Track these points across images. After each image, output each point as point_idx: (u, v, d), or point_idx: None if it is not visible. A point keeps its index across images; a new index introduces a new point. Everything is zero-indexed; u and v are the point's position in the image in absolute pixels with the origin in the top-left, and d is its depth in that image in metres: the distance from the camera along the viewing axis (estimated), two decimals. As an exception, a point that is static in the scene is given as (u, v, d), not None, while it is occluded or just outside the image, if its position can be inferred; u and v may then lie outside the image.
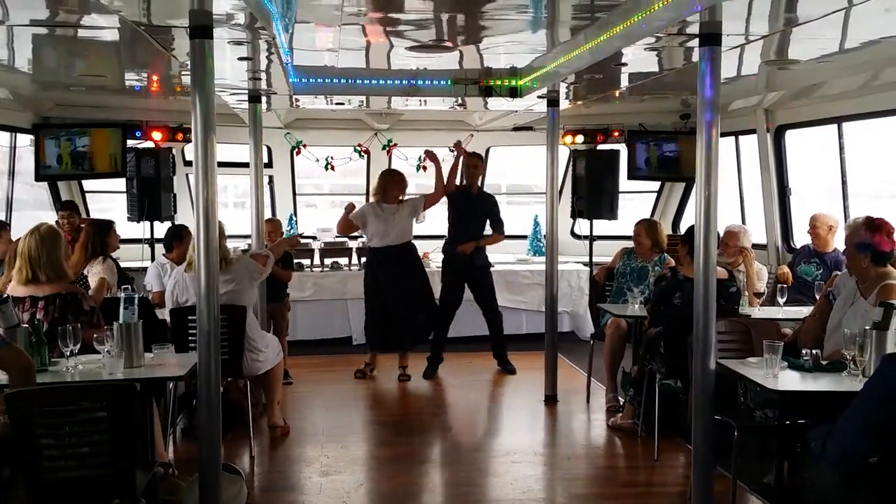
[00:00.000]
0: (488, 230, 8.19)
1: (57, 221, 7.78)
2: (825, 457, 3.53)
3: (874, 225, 4.67)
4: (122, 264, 7.19)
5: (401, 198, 7.82)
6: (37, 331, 4.37)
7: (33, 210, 9.89)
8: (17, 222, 8.24)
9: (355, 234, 8.56)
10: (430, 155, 8.12)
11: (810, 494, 3.86)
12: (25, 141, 9.15)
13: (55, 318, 4.64)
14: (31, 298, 4.68)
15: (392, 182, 7.83)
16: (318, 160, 10.53)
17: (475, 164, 8.11)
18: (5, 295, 4.61)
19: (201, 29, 4.14)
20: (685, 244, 5.84)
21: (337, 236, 9.56)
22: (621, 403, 6.67)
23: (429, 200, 7.94)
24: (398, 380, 7.92)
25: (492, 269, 8.29)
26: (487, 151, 10.86)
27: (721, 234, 6.92)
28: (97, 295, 5.87)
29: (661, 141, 9.96)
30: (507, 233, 8.31)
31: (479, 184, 8.43)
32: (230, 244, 6.31)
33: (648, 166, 10.02)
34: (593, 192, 9.50)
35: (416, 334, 7.95)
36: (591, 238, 9.60)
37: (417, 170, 10.73)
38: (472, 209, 8.08)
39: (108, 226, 6.61)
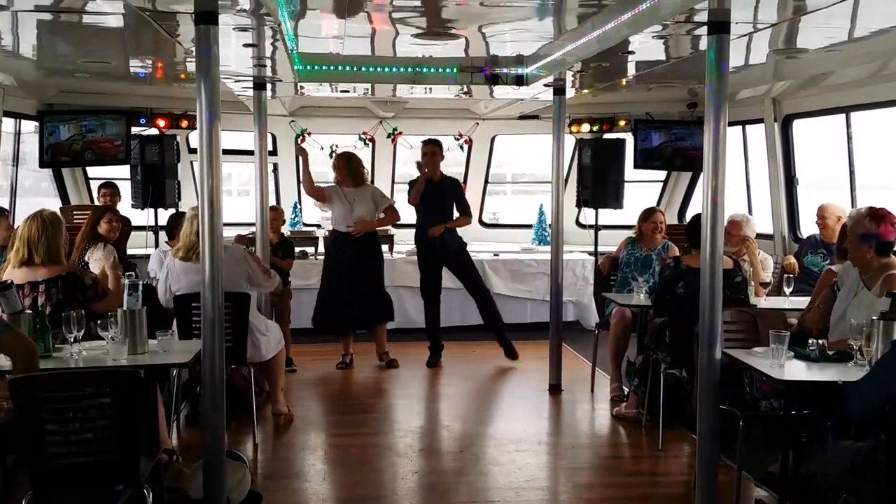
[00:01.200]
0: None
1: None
2: (849, 416, 3.53)
3: (878, 215, 4.65)
4: (126, 251, 7.19)
5: (362, 181, 7.85)
6: (41, 316, 4.37)
7: (37, 197, 9.91)
8: (21, 209, 8.28)
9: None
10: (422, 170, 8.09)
11: (820, 482, 3.85)
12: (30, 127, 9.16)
13: (59, 301, 4.66)
14: (30, 284, 4.69)
15: (348, 165, 7.83)
16: (322, 148, 10.51)
17: (432, 151, 8.04)
18: (8, 280, 4.61)
19: (206, 15, 4.12)
20: (689, 233, 5.80)
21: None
22: (626, 393, 6.66)
23: (389, 215, 7.93)
24: (387, 366, 7.93)
25: (468, 248, 8.28)
26: (493, 140, 10.84)
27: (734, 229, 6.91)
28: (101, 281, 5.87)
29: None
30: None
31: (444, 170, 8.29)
32: (230, 232, 6.26)
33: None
34: (599, 182, 9.46)
35: (360, 318, 7.96)
36: (597, 227, 9.57)
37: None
38: (436, 195, 8.05)
39: (101, 213, 6.57)
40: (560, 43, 6.10)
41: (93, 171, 9.97)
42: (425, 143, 8.17)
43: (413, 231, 8.27)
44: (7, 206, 8.12)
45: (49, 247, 4.73)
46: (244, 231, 7.27)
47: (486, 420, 6.85)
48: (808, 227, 8.06)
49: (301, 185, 8.23)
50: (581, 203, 9.80)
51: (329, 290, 7.88)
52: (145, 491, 3.80)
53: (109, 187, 8.75)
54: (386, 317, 8.04)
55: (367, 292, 7.82)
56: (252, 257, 6.13)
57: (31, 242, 4.71)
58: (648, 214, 7.11)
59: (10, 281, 4.54)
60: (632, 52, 5.85)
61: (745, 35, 5.12)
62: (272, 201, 9.90)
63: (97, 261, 6.21)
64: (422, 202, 8.04)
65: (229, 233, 6.11)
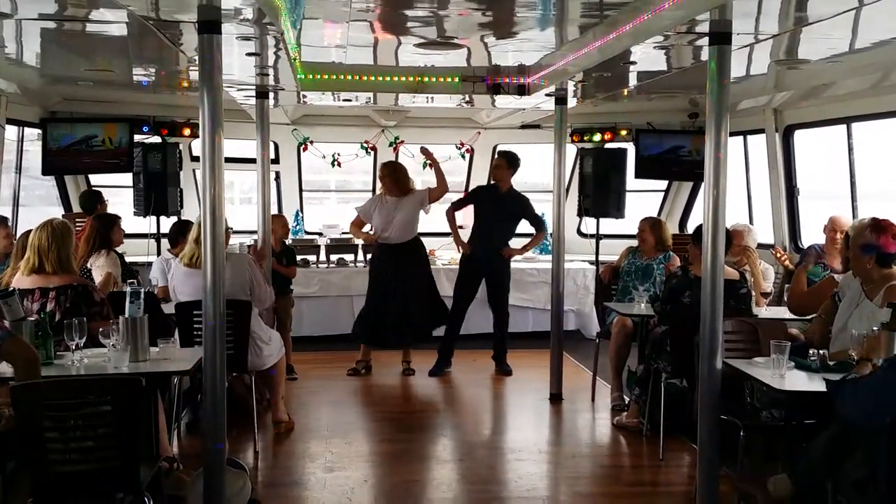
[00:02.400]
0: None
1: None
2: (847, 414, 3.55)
3: (880, 226, 4.66)
4: (128, 259, 7.21)
5: (408, 190, 7.78)
6: (45, 323, 4.38)
7: (40, 205, 9.93)
8: (25, 217, 8.29)
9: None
10: (425, 151, 8.10)
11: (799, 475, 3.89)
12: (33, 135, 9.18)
13: (67, 309, 4.67)
14: (41, 290, 4.70)
15: (393, 175, 7.78)
16: (324, 157, 10.54)
17: (498, 163, 8.06)
18: (12, 288, 4.63)
19: (210, 24, 4.14)
20: (695, 244, 5.81)
21: (344, 232, 9.59)
22: (626, 402, 6.66)
23: (433, 194, 7.85)
24: (402, 374, 7.94)
25: (509, 270, 8.25)
26: (494, 149, 10.84)
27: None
28: (103, 289, 5.88)
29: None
30: (516, 231, 8.26)
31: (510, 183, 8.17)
32: (235, 240, 6.28)
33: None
34: (600, 191, 9.46)
35: (408, 334, 7.91)
36: (598, 236, 9.57)
37: (424, 167, 10.73)
38: (500, 209, 8.02)
39: (112, 220, 6.65)
40: (562, 53, 6.12)
41: (95, 178, 9.98)
42: (498, 156, 8.15)
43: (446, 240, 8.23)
44: (9, 214, 8.14)
45: (60, 256, 4.75)
46: (248, 239, 7.28)
47: (487, 429, 6.85)
48: (809, 238, 8.06)
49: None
50: (582, 212, 9.81)
51: (379, 302, 7.80)
52: (146, 499, 3.80)
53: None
54: (438, 323, 7.99)
55: (410, 308, 7.73)
56: (258, 268, 6.12)
57: (42, 251, 4.73)
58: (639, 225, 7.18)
59: (13, 288, 4.55)
60: (633, 63, 5.86)
61: (746, 46, 5.14)
62: (274, 210, 9.93)
63: (100, 268, 6.23)
64: (483, 212, 8.01)
65: (235, 240, 6.15)
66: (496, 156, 8.18)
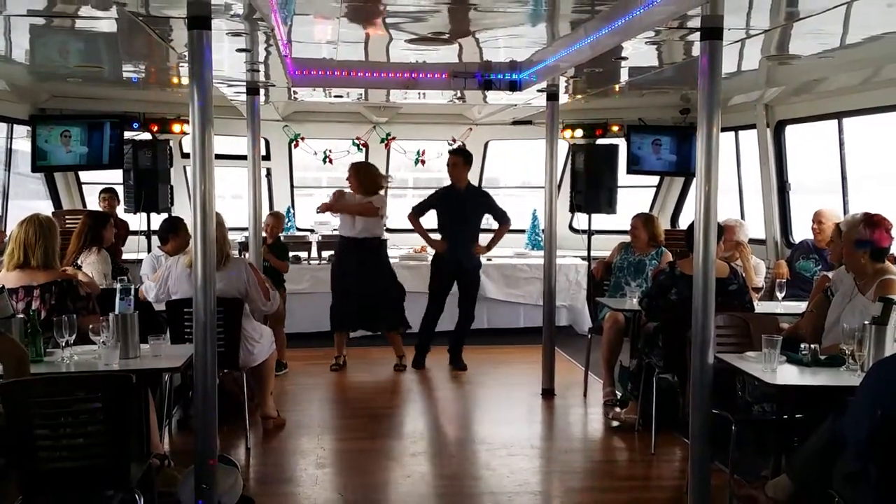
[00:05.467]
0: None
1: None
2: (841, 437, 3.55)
3: (873, 221, 4.67)
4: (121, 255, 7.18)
5: (373, 191, 7.82)
6: (33, 321, 4.35)
7: (29, 201, 9.89)
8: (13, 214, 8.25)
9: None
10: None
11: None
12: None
13: (52, 306, 4.64)
14: (25, 288, 4.67)
15: (356, 175, 7.86)
16: (315, 153, 10.52)
17: (454, 161, 7.96)
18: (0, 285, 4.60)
19: (199, 20, 4.12)
20: (688, 238, 5.78)
21: (335, 230, 9.56)
22: (618, 397, 6.68)
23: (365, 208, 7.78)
24: (394, 369, 7.94)
25: (481, 268, 8.26)
26: (486, 145, 10.86)
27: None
28: (94, 286, 5.86)
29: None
30: (496, 227, 8.22)
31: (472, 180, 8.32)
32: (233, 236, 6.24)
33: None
34: (592, 187, 9.48)
35: (382, 320, 7.97)
36: (590, 232, 9.59)
37: (416, 164, 10.74)
38: (462, 207, 7.98)
39: (105, 219, 6.64)
40: (553, 49, 6.11)
41: (85, 175, 9.95)
42: (451, 152, 8.13)
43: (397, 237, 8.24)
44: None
45: (45, 251, 4.72)
46: (239, 236, 7.26)
47: (479, 424, 6.84)
48: (801, 233, 8.09)
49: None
50: (574, 208, 9.82)
51: (339, 294, 7.92)
52: (136, 496, 3.78)
53: (109, 192, 8.89)
54: (396, 324, 8.02)
55: (377, 296, 7.82)
56: (256, 273, 6.07)
57: (28, 246, 4.70)
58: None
59: (1, 286, 4.52)
60: (625, 58, 5.87)
61: (737, 41, 5.14)
62: (265, 206, 9.91)
63: (91, 264, 6.21)
64: (447, 214, 7.99)
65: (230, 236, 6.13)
66: (451, 154, 8.08)
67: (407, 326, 8.08)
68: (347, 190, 7.97)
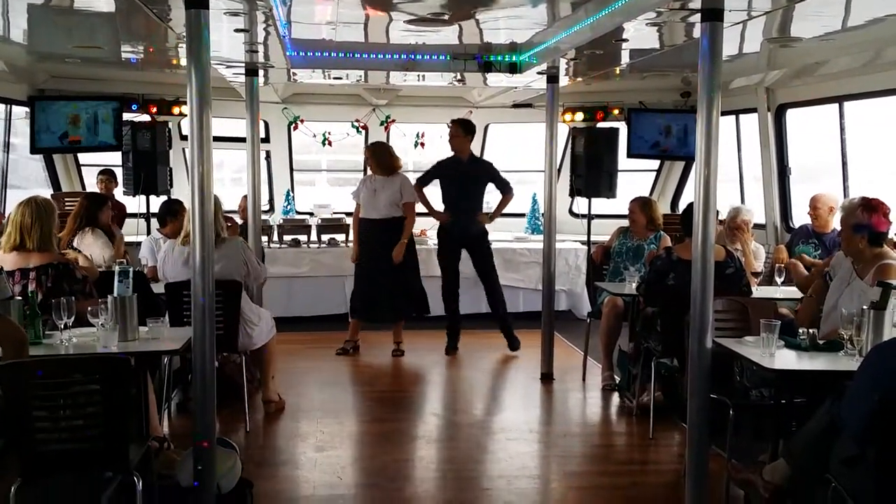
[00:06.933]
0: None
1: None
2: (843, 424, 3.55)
3: (871, 206, 4.66)
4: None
5: (393, 170, 7.79)
6: (31, 303, 4.35)
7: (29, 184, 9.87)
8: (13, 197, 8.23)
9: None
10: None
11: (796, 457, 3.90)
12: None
13: (49, 289, 4.63)
14: (21, 271, 4.67)
15: (374, 156, 7.84)
16: (315, 135, 10.49)
17: (454, 132, 7.95)
18: (-1, 267, 4.59)
19: (197, -1, 4.08)
20: (683, 222, 5.76)
21: (335, 213, 9.59)
22: (616, 382, 6.70)
23: (407, 208, 7.77)
24: (392, 355, 7.94)
25: (488, 236, 8.23)
26: (486, 128, 10.82)
27: (735, 216, 6.85)
28: (93, 269, 5.84)
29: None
30: (506, 210, 8.25)
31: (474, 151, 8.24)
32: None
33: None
34: (592, 171, 9.43)
35: (400, 309, 7.94)
36: (590, 217, 9.56)
37: (415, 146, 10.70)
38: (465, 177, 7.99)
39: (102, 200, 6.62)
40: (554, 30, 6.07)
41: (84, 157, 9.92)
42: (451, 123, 8.09)
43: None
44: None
45: (42, 233, 4.71)
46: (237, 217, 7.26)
47: (478, 408, 6.85)
48: (800, 217, 8.07)
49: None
50: (574, 192, 9.79)
51: (362, 277, 7.89)
52: (135, 478, 3.79)
53: (107, 174, 8.89)
54: (420, 310, 8.01)
55: (400, 282, 7.80)
56: (248, 248, 6.11)
57: (24, 228, 4.69)
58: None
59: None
60: (625, 40, 5.81)
61: (739, 23, 5.09)
62: (265, 189, 9.91)
63: (88, 246, 6.21)
64: (451, 185, 7.99)
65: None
66: (450, 125, 8.05)
67: (428, 311, 8.07)
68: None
